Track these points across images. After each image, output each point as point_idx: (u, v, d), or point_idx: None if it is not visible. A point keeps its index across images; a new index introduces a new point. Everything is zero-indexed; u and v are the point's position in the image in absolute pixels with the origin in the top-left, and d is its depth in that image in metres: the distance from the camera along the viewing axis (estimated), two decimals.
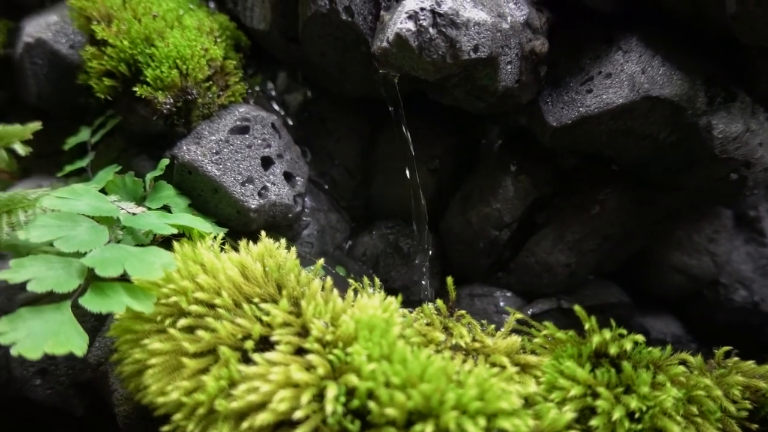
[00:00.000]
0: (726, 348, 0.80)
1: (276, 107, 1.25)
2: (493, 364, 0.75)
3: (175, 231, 0.83)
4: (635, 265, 1.20)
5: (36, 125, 1.09)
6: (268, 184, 1.00)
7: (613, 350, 0.71)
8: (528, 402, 0.71)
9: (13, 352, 0.64)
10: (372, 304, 0.76)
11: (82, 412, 0.99)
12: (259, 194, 0.99)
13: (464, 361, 0.76)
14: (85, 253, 0.75)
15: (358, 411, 0.64)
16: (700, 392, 0.71)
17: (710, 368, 0.79)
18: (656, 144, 0.94)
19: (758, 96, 0.93)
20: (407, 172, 1.03)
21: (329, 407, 0.63)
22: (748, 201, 1.18)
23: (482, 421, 0.61)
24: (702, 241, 1.11)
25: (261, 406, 0.64)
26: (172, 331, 0.72)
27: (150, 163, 1.06)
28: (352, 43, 1.03)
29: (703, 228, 1.11)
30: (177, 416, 0.68)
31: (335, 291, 0.79)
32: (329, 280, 0.80)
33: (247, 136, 1.02)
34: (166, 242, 0.92)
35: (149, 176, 0.97)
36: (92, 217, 0.83)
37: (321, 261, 0.89)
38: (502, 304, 1.10)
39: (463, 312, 0.84)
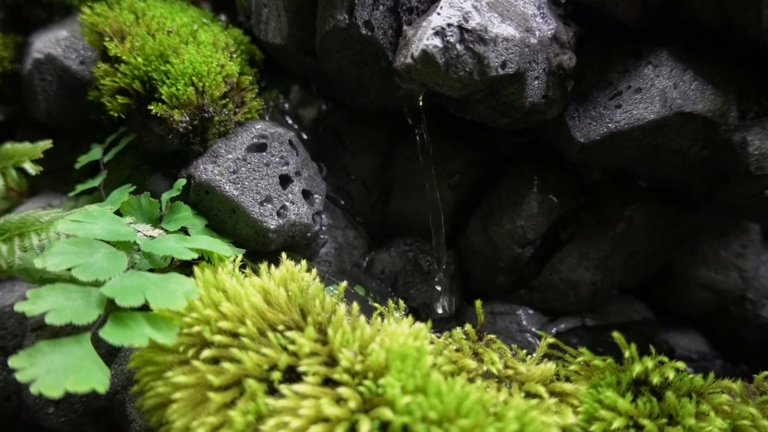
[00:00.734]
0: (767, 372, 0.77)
1: (289, 121, 1.23)
2: (528, 393, 0.73)
3: (195, 256, 0.80)
4: (658, 281, 1.18)
5: (46, 143, 1.07)
6: (287, 203, 0.98)
7: (655, 379, 0.68)
8: None
9: (33, 390, 0.61)
10: (402, 331, 0.74)
11: None
12: (278, 214, 0.96)
13: (498, 390, 0.73)
14: (104, 282, 0.72)
15: None
16: (746, 422, 0.69)
17: (750, 394, 0.76)
18: (686, 160, 0.91)
19: None
20: (427, 188, 1.00)
21: None
22: None
23: None
24: (729, 257, 1.09)
25: None
26: (196, 363, 0.69)
27: (164, 182, 1.04)
28: (372, 57, 1.01)
29: (730, 243, 1.08)
30: None
31: (362, 317, 0.77)
32: (355, 305, 0.77)
33: (264, 153, 0.99)
34: (184, 265, 0.90)
35: (165, 197, 0.95)
36: (109, 242, 0.80)
37: (344, 284, 0.86)
38: (524, 322, 1.08)
39: (492, 336, 0.81)
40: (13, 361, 0.63)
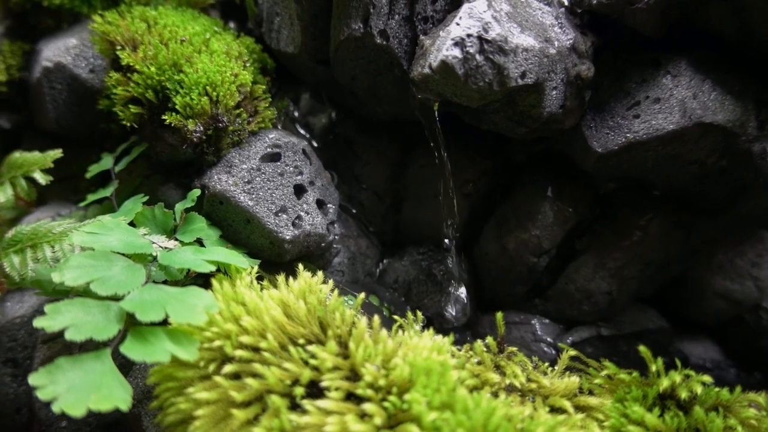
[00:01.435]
0: None
1: (300, 130, 1.22)
2: (553, 408, 0.72)
3: (213, 268, 0.79)
4: (672, 289, 1.17)
5: (56, 153, 1.05)
6: (302, 214, 0.97)
7: (683, 394, 0.67)
8: None
9: (55, 408, 0.60)
10: (424, 345, 0.73)
11: None
12: (293, 224, 0.95)
13: (522, 404, 0.73)
14: (123, 296, 0.71)
15: None
16: None
17: None
18: (704, 169, 0.91)
19: None
20: (441, 198, 1.00)
21: None
22: None
23: None
24: (745, 265, 1.08)
25: None
26: (217, 378, 0.68)
27: (177, 192, 1.03)
28: (386, 66, 1.00)
29: (746, 252, 1.08)
30: None
31: (383, 330, 0.76)
32: (376, 319, 0.76)
33: (278, 163, 0.98)
34: (200, 276, 0.89)
35: (179, 207, 0.94)
36: (125, 254, 0.79)
37: (362, 296, 0.85)
38: (539, 332, 1.07)
39: (513, 349, 0.80)
40: (33, 379, 0.62)
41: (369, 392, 0.67)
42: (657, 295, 1.17)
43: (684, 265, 1.10)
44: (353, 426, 0.63)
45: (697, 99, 0.85)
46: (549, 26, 0.86)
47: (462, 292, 1.05)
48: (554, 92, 0.87)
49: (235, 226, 0.96)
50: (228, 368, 0.69)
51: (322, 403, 0.65)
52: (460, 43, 0.79)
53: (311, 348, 0.72)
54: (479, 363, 0.78)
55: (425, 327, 0.84)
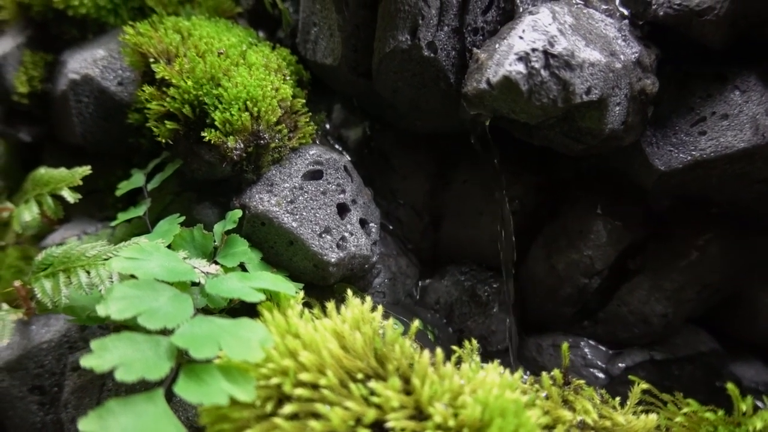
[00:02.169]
0: None
1: (334, 144, 1.18)
2: None
3: (263, 297, 0.75)
4: (722, 309, 1.13)
5: (85, 170, 1.01)
6: (346, 234, 0.92)
7: None
8: None
9: None
10: (494, 381, 0.68)
11: None
12: (338, 246, 0.91)
13: None
14: (171, 329, 0.66)
15: None
16: None
17: None
18: None
19: None
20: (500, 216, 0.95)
21: None
22: None
23: None
24: None
25: None
26: (277, 420, 0.63)
27: (213, 211, 0.98)
28: (431, 79, 0.96)
29: None
30: None
31: (448, 365, 0.71)
32: (439, 352, 0.72)
33: (321, 181, 0.94)
34: (243, 302, 0.84)
35: (218, 229, 0.89)
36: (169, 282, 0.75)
37: (416, 323, 0.80)
38: (589, 356, 1.03)
39: (581, 382, 0.76)
40: (83, 425, 0.57)
41: None
42: (707, 315, 1.12)
43: (739, 284, 1.06)
44: None
45: None
46: (613, 39, 0.81)
47: (511, 317, 1.00)
48: (617, 108, 0.83)
49: (277, 248, 0.91)
50: (287, 408, 0.64)
51: None
52: (524, 58, 0.75)
53: (372, 384, 0.67)
54: (547, 398, 0.73)
55: (495, 362, 0.80)
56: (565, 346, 0.77)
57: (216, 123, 0.89)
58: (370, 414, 0.64)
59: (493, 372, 0.71)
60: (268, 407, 0.66)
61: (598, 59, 0.77)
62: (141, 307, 0.68)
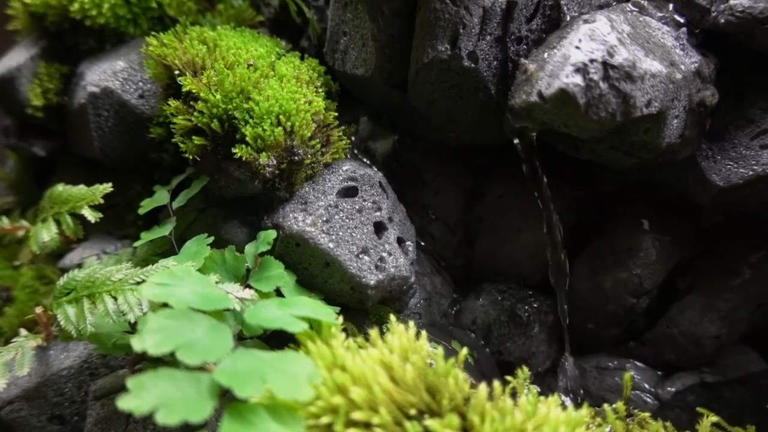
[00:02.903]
0: None
1: (360, 156, 1.13)
2: None
3: (305, 327, 0.70)
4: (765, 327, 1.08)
5: (105, 187, 0.96)
6: (384, 255, 0.88)
7: None
8: None
9: None
10: (559, 417, 0.63)
11: None
12: (377, 267, 0.86)
13: None
14: (212, 364, 0.62)
15: None
16: None
17: None
18: None
19: None
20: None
21: None
22: None
23: None
24: None
25: None
26: None
27: (242, 230, 0.93)
28: (470, 90, 0.92)
29: None
30: None
31: (508, 399, 0.66)
32: (497, 385, 0.67)
33: (356, 198, 0.89)
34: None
35: (250, 250, 0.85)
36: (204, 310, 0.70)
37: (464, 351, 0.75)
38: (637, 379, 0.98)
39: (645, 415, 0.71)
40: None
41: None
42: (753, 333, 1.07)
43: None
44: None
45: None
46: (671, 48, 0.77)
47: (566, 342, 0.95)
48: (675, 121, 0.78)
49: (311, 270, 0.86)
50: None
51: None
52: (582, 69, 0.70)
53: (427, 422, 0.63)
54: None
55: (556, 395, 0.75)
56: (627, 376, 0.72)
57: (247, 138, 0.84)
58: None
59: (555, 407, 0.66)
60: None
61: (659, 70, 0.73)
62: (178, 340, 0.63)
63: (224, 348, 0.64)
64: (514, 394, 0.73)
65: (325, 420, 0.61)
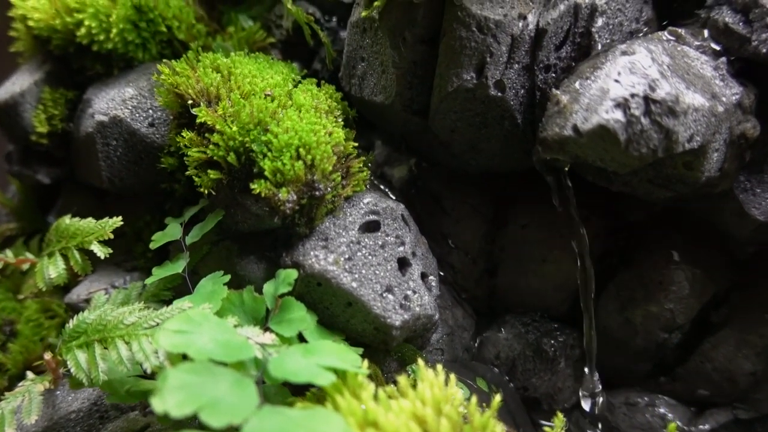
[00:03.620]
0: None
1: (376, 182, 1.10)
2: None
3: (334, 378, 0.66)
4: None
5: (116, 221, 0.92)
6: (409, 293, 0.84)
7: None
8: None
9: None
10: None
11: None
12: (401, 306, 0.82)
13: None
14: (238, 425, 0.58)
15: None
16: None
17: None
18: None
19: None
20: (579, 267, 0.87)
21: None
22: None
23: None
24: None
25: None
26: None
27: (259, 267, 0.89)
28: (495, 119, 0.88)
29: None
30: None
31: None
32: None
33: (378, 233, 0.86)
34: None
35: (270, 290, 0.81)
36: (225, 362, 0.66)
37: (498, 399, 0.72)
38: (669, 416, 0.94)
39: None
40: None
41: None
42: None
43: None
44: None
45: None
46: (711, 79, 0.74)
47: (596, 377, 0.92)
48: (715, 155, 0.75)
49: (333, 309, 0.83)
50: None
51: None
52: (622, 105, 0.67)
53: None
54: None
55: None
56: (672, 426, 0.68)
57: (266, 173, 0.80)
58: None
59: None
60: None
61: (702, 104, 0.69)
62: (202, 399, 0.59)
63: (250, 406, 0.60)
64: None
65: None
